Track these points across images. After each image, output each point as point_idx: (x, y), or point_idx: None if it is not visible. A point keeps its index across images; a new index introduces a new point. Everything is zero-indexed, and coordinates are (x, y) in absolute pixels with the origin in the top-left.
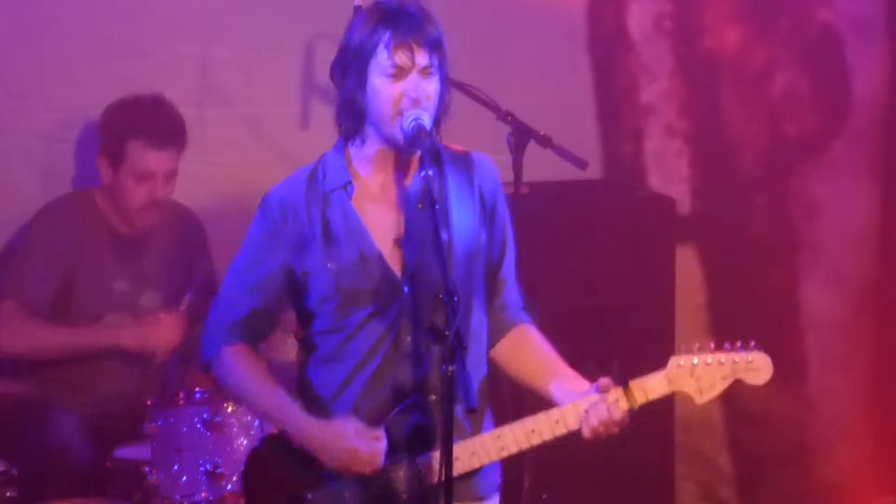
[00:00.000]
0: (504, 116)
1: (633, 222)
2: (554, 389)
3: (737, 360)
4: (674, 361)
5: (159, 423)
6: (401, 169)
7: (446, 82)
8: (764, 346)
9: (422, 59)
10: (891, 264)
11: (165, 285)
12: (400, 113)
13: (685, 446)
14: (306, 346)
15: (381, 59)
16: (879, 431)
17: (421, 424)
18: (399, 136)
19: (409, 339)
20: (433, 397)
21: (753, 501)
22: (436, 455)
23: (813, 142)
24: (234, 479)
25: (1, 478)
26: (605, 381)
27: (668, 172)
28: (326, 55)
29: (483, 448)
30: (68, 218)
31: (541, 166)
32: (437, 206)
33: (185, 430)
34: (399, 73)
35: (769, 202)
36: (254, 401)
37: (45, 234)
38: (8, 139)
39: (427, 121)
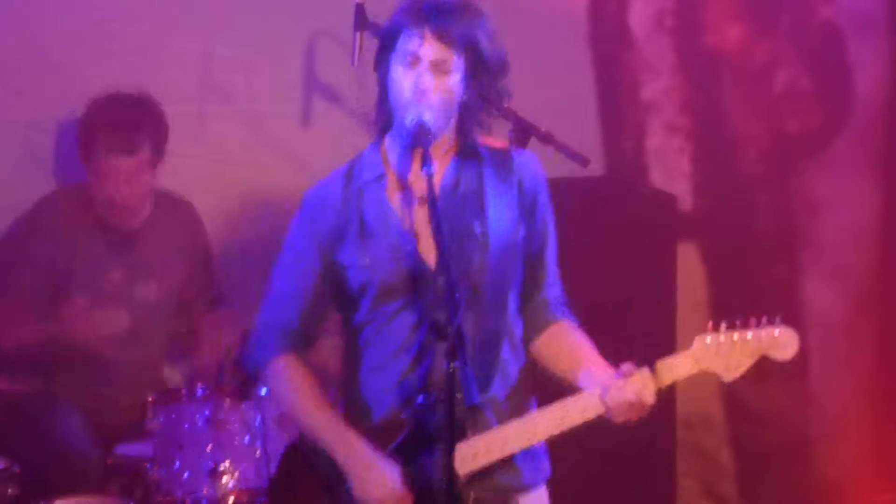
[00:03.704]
0: (505, 113)
1: (634, 219)
2: (582, 378)
3: (763, 335)
4: (699, 340)
5: (161, 419)
6: (429, 160)
7: (473, 85)
8: None
9: (433, 51)
10: (892, 261)
11: (160, 275)
12: (409, 103)
13: (686, 443)
14: (346, 337)
15: (399, 46)
16: (880, 428)
17: (448, 420)
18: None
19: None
20: (459, 395)
21: (754, 498)
22: (464, 446)
23: (815, 139)
24: (236, 475)
25: (3, 475)
26: (627, 365)
27: (670, 169)
28: (327, 52)
29: (514, 436)
30: (57, 214)
31: (542, 163)
32: (438, 204)
33: (186, 426)
34: (413, 61)
35: (771, 199)
36: (303, 416)
37: (28, 235)
38: (8, 135)
39: (429, 117)
